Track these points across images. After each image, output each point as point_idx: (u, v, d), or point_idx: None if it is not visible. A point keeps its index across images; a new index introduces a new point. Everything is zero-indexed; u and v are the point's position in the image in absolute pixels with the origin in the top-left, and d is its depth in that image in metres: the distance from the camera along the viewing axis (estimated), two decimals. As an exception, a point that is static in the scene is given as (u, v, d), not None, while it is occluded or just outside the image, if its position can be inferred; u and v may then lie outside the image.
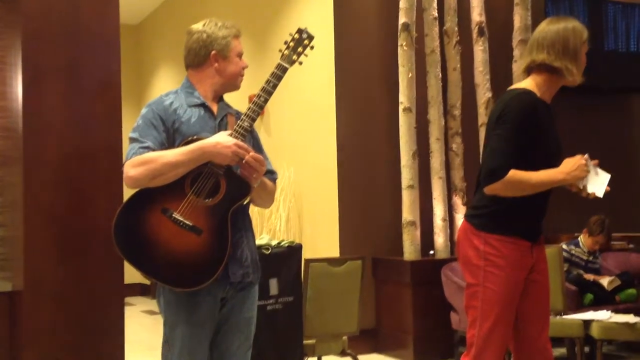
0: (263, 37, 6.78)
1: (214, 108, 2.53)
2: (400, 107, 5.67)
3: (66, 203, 3.11)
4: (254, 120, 2.42)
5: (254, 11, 7.09)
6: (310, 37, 2.55)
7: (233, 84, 2.56)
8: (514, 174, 2.65)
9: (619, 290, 5.33)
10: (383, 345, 5.65)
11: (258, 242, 3.70)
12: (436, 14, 5.86)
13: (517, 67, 5.90)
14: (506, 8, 6.28)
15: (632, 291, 5.34)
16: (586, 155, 2.72)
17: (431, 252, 5.75)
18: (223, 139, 2.35)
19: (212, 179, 2.36)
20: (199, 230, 2.33)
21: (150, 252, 2.34)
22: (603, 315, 4.60)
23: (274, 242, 3.91)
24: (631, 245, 6.42)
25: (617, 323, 4.47)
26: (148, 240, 2.34)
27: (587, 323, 4.54)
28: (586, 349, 4.81)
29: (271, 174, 2.61)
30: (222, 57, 2.51)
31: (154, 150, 2.37)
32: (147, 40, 10.14)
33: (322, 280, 3.99)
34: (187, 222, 2.32)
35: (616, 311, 4.82)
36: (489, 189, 2.68)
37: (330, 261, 4.08)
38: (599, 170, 2.72)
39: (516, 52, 6.09)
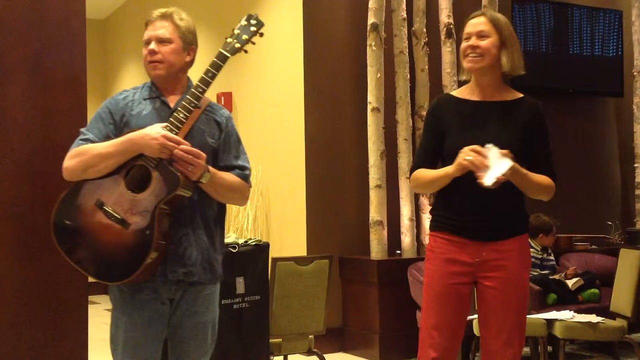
0: (229, 33, 6.73)
1: (173, 101, 2.47)
2: (369, 107, 5.68)
3: (29, 199, 3.05)
4: (189, 111, 2.34)
5: (220, 7, 7.05)
6: (260, 24, 2.46)
7: (148, 72, 2.51)
8: (416, 172, 2.81)
9: (581, 290, 5.41)
10: (349, 344, 5.66)
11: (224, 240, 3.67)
12: (405, 15, 5.89)
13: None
14: (474, 10, 6.30)
15: (594, 291, 5.42)
16: (488, 145, 2.57)
17: (398, 251, 5.78)
18: (151, 131, 2.29)
19: (144, 172, 2.31)
20: (126, 224, 2.27)
21: (84, 244, 2.31)
22: (566, 315, 4.65)
23: (241, 241, 3.89)
24: (594, 246, 6.52)
25: (579, 323, 4.53)
26: (82, 232, 2.31)
27: (550, 322, 4.59)
28: (549, 348, 4.87)
29: (241, 170, 2.50)
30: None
31: (93, 142, 2.34)
32: (113, 35, 10.01)
33: (289, 279, 3.99)
34: (116, 215, 2.28)
35: (579, 311, 4.88)
36: (410, 187, 2.93)
37: (297, 260, 4.07)
38: (503, 160, 2.53)
39: (483, 54, 6.14)
